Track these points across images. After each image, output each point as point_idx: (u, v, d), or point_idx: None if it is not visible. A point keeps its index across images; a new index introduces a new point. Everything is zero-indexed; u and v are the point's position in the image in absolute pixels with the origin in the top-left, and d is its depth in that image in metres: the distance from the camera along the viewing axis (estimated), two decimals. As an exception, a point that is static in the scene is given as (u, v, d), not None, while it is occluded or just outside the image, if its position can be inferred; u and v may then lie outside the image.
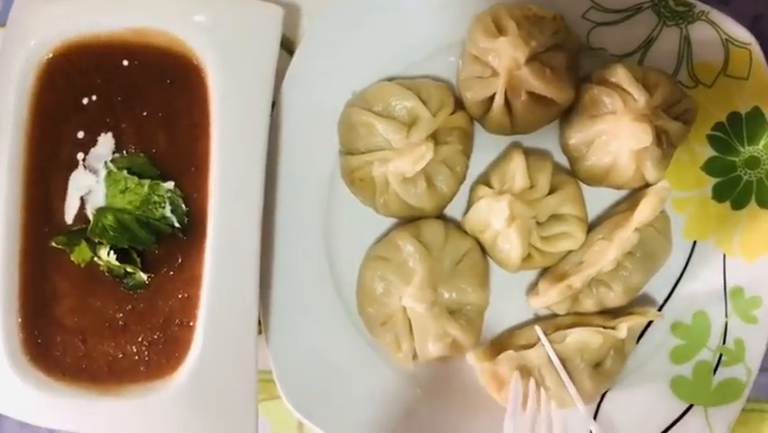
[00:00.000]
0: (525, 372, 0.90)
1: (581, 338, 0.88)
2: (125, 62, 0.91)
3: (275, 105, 0.91)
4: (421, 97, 0.90)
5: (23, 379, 0.88)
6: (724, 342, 0.93)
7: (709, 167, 0.94)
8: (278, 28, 0.89)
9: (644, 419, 0.93)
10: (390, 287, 0.91)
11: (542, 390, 0.89)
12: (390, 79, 0.93)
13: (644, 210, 0.86)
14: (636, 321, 0.89)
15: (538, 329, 0.91)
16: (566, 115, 0.92)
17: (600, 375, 0.90)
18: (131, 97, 0.91)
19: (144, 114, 0.91)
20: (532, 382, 0.89)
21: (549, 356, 0.89)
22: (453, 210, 0.95)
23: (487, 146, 0.95)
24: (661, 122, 0.87)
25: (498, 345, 0.93)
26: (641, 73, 0.88)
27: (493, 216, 0.88)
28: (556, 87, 0.87)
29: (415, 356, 0.92)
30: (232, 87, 0.88)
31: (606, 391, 0.93)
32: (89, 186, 0.90)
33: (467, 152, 0.93)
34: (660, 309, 0.95)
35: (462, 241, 0.92)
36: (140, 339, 0.90)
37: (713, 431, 0.92)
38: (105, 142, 0.91)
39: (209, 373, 0.87)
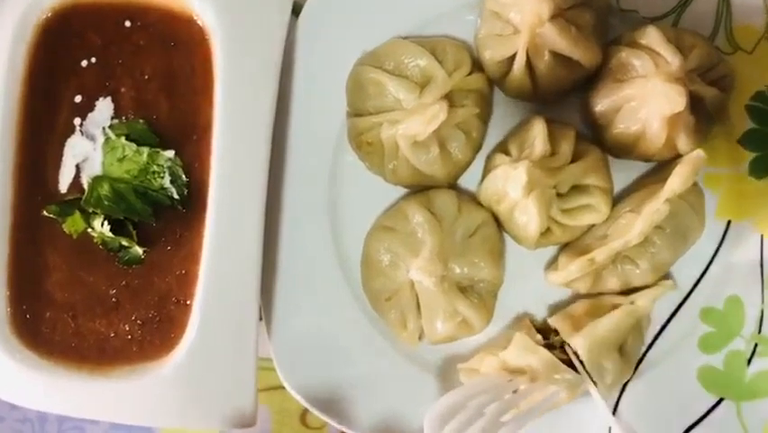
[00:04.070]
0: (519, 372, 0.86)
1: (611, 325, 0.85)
2: (127, 23, 0.89)
3: (281, 67, 0.88)
4: (436, 56, 0.87)
5: (10, 356, 0.86)
6: (759, 330, 0.89)
7: (747, 140, 0.90)
8: (289, -14, 0.86)
9: (669, 414, 0.89)
10: (397, 259, 0.87)
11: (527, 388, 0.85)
12: (404, 38, 0.90)
13: (677, 179, 0.81)
14: (655, 293, 0.86)
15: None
16: (592, 79, 0.87)
17: (624, 359, 0.86)
18: (131, 60, 0.88)
19: (145, 78, 0.88)
20: (503, 378, 0.85)
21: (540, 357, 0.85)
22: (468, 181, 0.92)
23: (506, 113, 0.91)
24: (695, 87, 0.83)
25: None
26: (674, 35, 0.85)
27: (509, 185, 0.83)
28: (582, 47, 0.83)
29: (421, 336, 0.89)
30: (238, 51, 0.86)
31: (626, 383, 0.90)
32: (86, 153, 0.88)
33: (484, 118, 0.90)
34: (689, 294, 0.91)
35: (477, 213, 0.89)
36: (133, 318, 0.88)
37: (746, 429, 0.88)
38: (104, 107, 0.89)
39: (206, 356, 0.85)
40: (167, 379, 0.85)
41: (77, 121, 0.88)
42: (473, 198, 0.91)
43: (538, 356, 0.84)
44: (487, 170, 0.89)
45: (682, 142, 0.84)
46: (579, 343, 0.85)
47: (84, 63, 0.89)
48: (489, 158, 0.90)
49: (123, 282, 0.88)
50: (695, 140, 0.84)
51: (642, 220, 0.82)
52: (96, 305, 0.88)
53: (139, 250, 0.87)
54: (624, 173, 0.90)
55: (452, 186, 0.91)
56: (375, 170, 0.90)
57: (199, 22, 0.87)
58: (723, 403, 0.88)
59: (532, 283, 0.91)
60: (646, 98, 0.82)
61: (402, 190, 0.92)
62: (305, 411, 0.97)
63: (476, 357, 0.88)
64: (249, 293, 0.84)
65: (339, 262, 0.91)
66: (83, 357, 0.87)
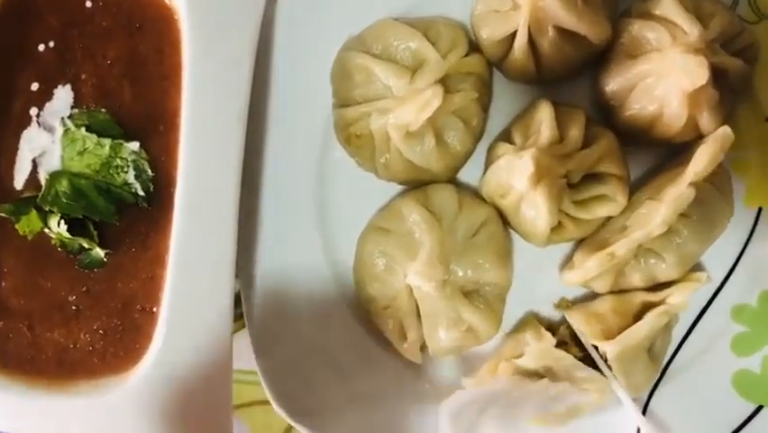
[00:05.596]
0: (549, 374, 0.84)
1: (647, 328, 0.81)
2: (88, 3, 0.86)
3: (258, 52, 0.84)
4: (428, 37, 0.84)
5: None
6: (800, 329, 0.84)
7: (777, 119, 0.84)
8: (265, -36, 0.84)
9: (702, 423, 0.86)
10: (393, 263, 0.85)
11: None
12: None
13: (702, 159, 0.77)
14: (689, 289, 0.82)
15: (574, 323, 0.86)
16: (601, 57, 0.84)
17: (652, 360, 0.83)
18: (93, 44, 0.86)
19: (108, 63, 0.86)
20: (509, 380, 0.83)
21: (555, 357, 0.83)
22: (469, 174, 0.89)
23: (508, 98, 0.88)
24: (718, 58, 0.79)
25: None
26: (692, 3, 0.81)
27: (515, 176, 0.80)
28: (589, 21, 0.80)
29: (423, 347, 0.86)
30: (209, 33, 0.83)
31: (653, 390, 0.87)
32: (43, 146, 0.86)
33: (484, 103, 0.87)
34: (719, 289, 0.87)
35: (479, 209, 0.85)
36: (95, 327, 0.85)
37: (790, 439, 0.84)
38: (63, 95, 0.86)
39: (175, 369, 0.82)
40: (131, 394, 0.82)
41: (33, 111, 0.86)
42: (475, 193, 0.88)
43: (558, 360, 0.83)
44: (489, 162, 0.86)
45: (705, 121, 0.79)
46: (610, 349, 0.82)
47: (41, 47, 0.86)
48: (491, 148, 0.87)
49: (84, 288, 0.85)
50: (719, 117, 0.80)
51: (665, 207, 0.78)
52: (55, 313, 0.85)
53: (101, 252, 0.84)
54: (639, 161, 0.86)
55: (452, 180, 0.88)
56: (366, 165, 0.87)
57: (167, 1, 0.84)
58: (762, 411, 0.85)
59: (544, 285, 0.88)
60: (663, 74, 0.79)
61: (397, 187, 0.89)
62: (289, 427, 0.94)
63: (483, 370, 0.85)
64: (221, 299, 0.81)
65: (330, 267, 0.89)
66: (40, 371, 0.85)
